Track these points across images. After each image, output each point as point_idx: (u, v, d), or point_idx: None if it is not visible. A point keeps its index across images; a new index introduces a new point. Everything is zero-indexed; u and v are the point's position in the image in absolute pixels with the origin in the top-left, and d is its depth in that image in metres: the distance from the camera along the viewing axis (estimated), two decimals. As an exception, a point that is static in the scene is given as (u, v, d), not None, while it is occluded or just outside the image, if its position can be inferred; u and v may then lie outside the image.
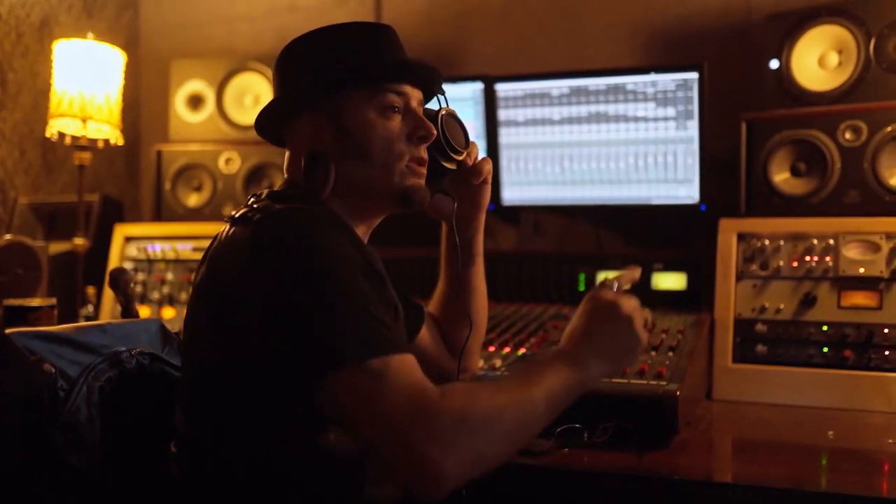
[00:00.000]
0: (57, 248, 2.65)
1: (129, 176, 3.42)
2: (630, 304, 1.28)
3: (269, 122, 1.40)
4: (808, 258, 2.04)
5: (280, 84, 1.39)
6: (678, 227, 2.42)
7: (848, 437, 1.72)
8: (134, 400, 1.36)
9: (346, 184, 1.31)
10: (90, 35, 2.56)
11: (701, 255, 2.17)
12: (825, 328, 1.98)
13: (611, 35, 2.70)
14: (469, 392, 1.07)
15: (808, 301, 2.01)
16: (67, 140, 2.54)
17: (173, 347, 1.50)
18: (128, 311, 1.86)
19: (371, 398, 1.01)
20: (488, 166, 1.52)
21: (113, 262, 2.72)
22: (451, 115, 1.45)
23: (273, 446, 1.15)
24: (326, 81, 1.31)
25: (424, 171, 1.37)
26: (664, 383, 1.63)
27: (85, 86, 2.48)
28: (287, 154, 1.40)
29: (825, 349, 1.96)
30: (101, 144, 2.60)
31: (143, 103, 3.42)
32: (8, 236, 2.34)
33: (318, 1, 3.12)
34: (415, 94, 1.36)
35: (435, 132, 1.36)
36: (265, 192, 1.32)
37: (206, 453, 1.21)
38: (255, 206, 1.24)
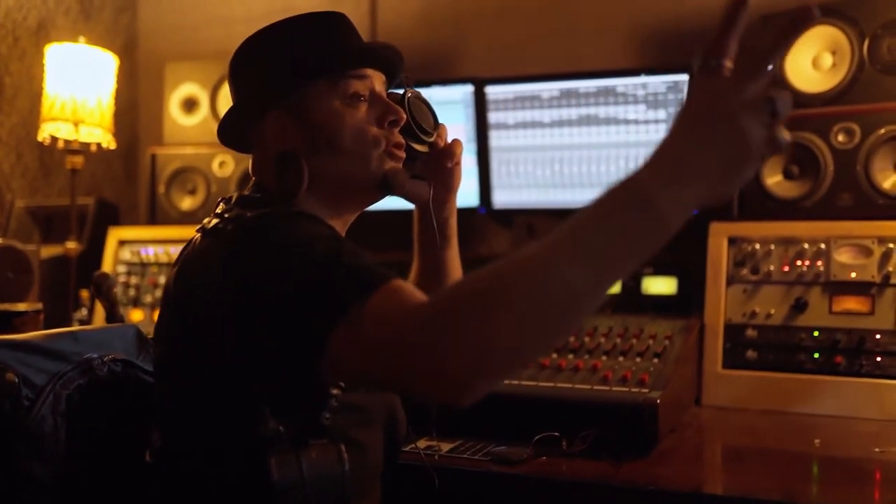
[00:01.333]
0: (52, 251, 2.66)
1: (128, 179, 3.42)
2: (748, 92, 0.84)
3: (231, 129, 1.36)
4: (799, 262, 2.01)
5: (237, 87, 1.34)
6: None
7: (836, 446, 1.70)
8: (106, 408, 1.34)
9: (321, 179, 1.26)
10: (82, 39, 2.57)
11: (692, 259, 2.14)
12: (816, 334, 1.95)
13: (606, 37, 2.67)
14: (464, 279, 0.93)
15: (800, 306, 1.98)
16: (60, 144, 2.54)
17: (150, 353, 1.49)
18: (112, 316, 1.86)
19: (361, 346, 0.94)
20: (460, 147, 1.45)
21: (107, 265, 2.73)
22: (418, 97, 1.40)
23: (249, 459, 1.12)
24: (284, 76, 1.26)
25: (403, 155, 1.32)
26: (646, 391, 1.61)
27: (77, 90, 2.48)
28: (252, 157, 1.35)
29: (816, 355, 1.94)
30: (93, 148, 2.60)
31: (141, 106, 3.43)
32: (-1, 240, 2.35)
33: (314, 3, 3.11)
34: (378, 78, 1.31)
35: (404, 115, 1.31)
36: (234, 196, 1.29)
37: (180, 465, 1.20)
38: (225, 215, 1.21)
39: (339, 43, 1.29)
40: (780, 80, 2.19)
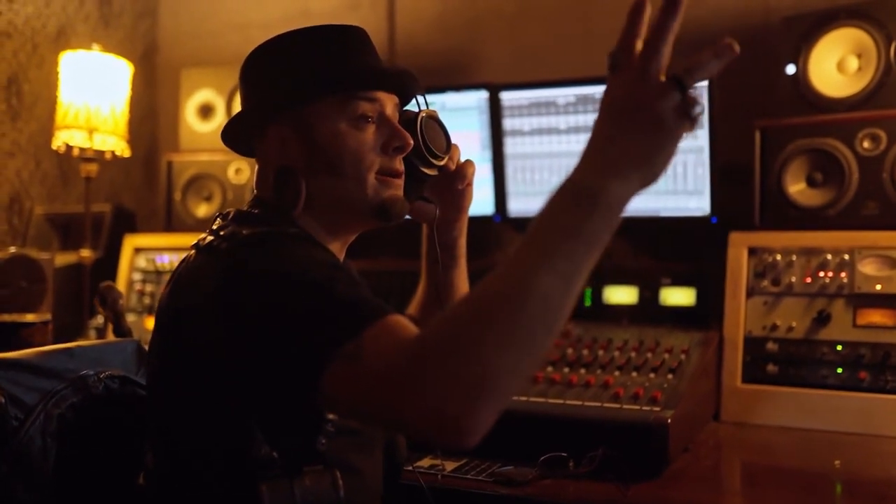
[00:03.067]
0: (67, 259, 2.66)
1: (147, 186, 3.42)
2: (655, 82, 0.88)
3: (234, 134, 1.33)
4: (822, 274, 1.94)
5: (244, 93, 1.31)
6: (688, 240, 2.33)
7: (859, 466, 1.63)
8: (101, 426, 1.33)
9: (319, 200, 1.23)
10: (96, 46, 2.56)
11: (711, 270, 2.08)
12: (839, 348, 1.88)
13: (625, 39, 2.61)
14: (441, 316, 0.91)
15: (822, 319, 1.91)
16: (75, 152, 2.54)
17: (149, 369, 1.47)
18: (118, 328, 1.84)
19: (356, 383, 0.92)
20: (472, 169, 1.42)
21: (122, 273, 2.72)
22: (432, 118, 1.35)
23: (240, 485, 1.08)
24: (291, 90, 1.22)
25: (400, 182, 1.28)
26: (658, 409, 1.56)
27: (91, 97, 2.48)
28: (256, 168, 1.32)
29: (839, 370, 1.87)
30: (108, 156, 2.60)
31: (160, 113, 3.43)
32: (12, 249, 2.35)
33: (331, 7, 3.09)
34: (389, 100, 1.27)
35: (411, 142, 1.26)
36: (232, 212, 1.26)
37: (171, 488, 1.17)
38: (220, 232, 1.17)
39: (353, 62, 1.25)
40: (802, 85, 2.12)
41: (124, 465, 1.32)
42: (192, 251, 1.21)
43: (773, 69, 2.20)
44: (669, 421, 1.49)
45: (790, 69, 2.16)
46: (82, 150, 2.51)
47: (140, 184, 3.42)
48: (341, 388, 0.93)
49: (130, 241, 2.76)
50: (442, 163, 1.36)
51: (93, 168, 2.56)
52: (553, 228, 0.88)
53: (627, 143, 0.89)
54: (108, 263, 2.76)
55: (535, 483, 1.44)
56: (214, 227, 1.22)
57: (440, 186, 1.40)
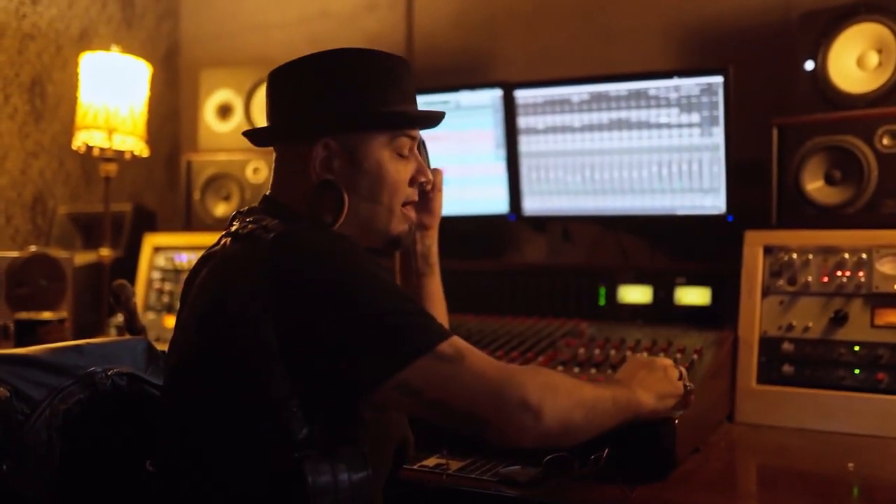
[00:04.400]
0: (87, 258, 2.69)
1: (170, 186, 3.46)
2: (665, 360, 1.46)
3: (270, 133, 1.37)
4: (839, 273, 1.91)
5: (291, 102, 1.33)
6: (704, 238, 2.31)
7: (876, 469, 1.60)
8: (108, 422, 1.33)
9: (350, 217, 1.29)
10: (115, 47, 2.59)
11: (726, 269, 2.05)
12: (857, 348, 1.85)
13: (643, 38, 2.59)
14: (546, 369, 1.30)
15: (839, 319, 1.88)
16: (96, 152, 2.57)
17: (159, 367, 1.48)
18: (132, 326, 1.86)
19: (460, 376, 1.13)
20: (440, 177, 1.55)
21: (142, 272, 2.75)
22: (423, 143, 1.47)
23: (281, 465, 1.13)
24: (355, 116, 1.30)
25: (414, 216, 1.40)
26: (681, 412, 1.53)
27: (110, 98, 2.50)
28: (278, 172, 1.36)
29: (856, 371, 1.84)
30: (127, 156, 2.62)
31: (181, 113, 3.46)
32: (32, 247, 2.38)
33: (349, 7, 3.10)
34: (418, 138, 1.39)
35: (432, 179, 1.41)
36: (255, 209, 1.32)
37: (188, 479, 1.19)
38: (263, 223, 1.22)
39: (410, 101, 1.35)
40: (821, 81, 2.09)
41: (130, 461, 1.33)
42: (227, 239, 1.26)
43: (792, 66, 2.17)
44: (677, 421, 1.47)
45: (809, 65, 2.13)
46: (102, 150, 2.54)
47: (162, 184, 3.45)
48: (432, 381, 1.12)
49: (150, 241, 2.79)
50: (427, 186, 1.47)
51: (112, 168, 2.59)
52: (609, 385, 1.38)
53: (649, 380, 1.41)
54: (128, 262, 2.79)
55: (539, 483, 1.43)
56: (247, 220, 1.26)
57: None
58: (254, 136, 1.39)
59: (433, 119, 1.39)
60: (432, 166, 1.53)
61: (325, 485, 1.13)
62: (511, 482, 1.44)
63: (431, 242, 1.59)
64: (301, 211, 1.29)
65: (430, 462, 1.55)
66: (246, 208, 1.34)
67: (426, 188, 1.42)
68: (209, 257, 1.28)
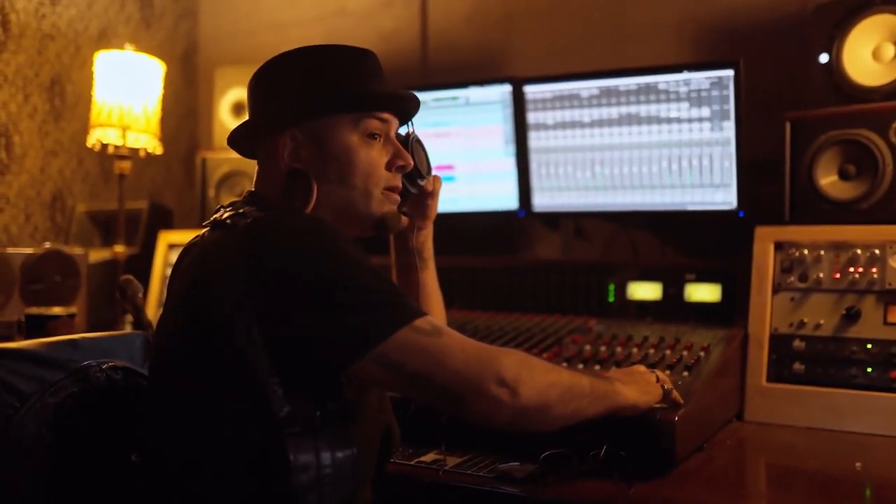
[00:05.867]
0: (102, 255, 2.71)
1: (188, 183, 3.48)
2: (639, 367, 1.52)
3: (247, 135, 1.40)
4: (851, 269, 1.87)
5: (261, 99, 1.38)
6: (715, 234, 2.27)
7: (885, 470, 1.56)
8: (101, 416, 1.34)
9: (324, 204, 1.32)
10: (128, 46, 2.61)
11: (737, 266, 2.02)
12: (869, 346, 1.80)
13: (658, 32, 2.56)
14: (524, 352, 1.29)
15: (851, 316, 1.84)
16: (110, 150, 2.59)
17: (157, 361, 1.48)
18: (138, 322, 1.87)
19: (439, 350, 1.14)
20: (439, 184, 1.58)
21: (157, 268, 2.77)
22: (418, 142, 1.49)
23: (265, 442, 1.14)
24: (313, 102, 1.32)
25: (397, 197, 1.40)
26: (669, 407, 1.51)
27: (123, 96, 2.53)
28: (258, 169, 1.39)
29: (869, 369, 1.79)
30: (142, 154, 2.65)
31: (199, 111, 3.48)
32: (47, 244, 2.41)
33: (365, 5, 3.10)
34: (394, 122, 1.40)
35: (412, 163, 1.40)
36: (236, 202, 1.33)
37: (172, 459, 1.20)
38: (240, 211, 1.26)
39: (370, 83, 1.35)
40: (835, 74, 2.05)
41: (124, 455, 1.33)
42: (206, 229, 1.29)
43: (805, 59, 2.13)
44: (677, 419, 1.44)
45: (823, 58, 2.08)
46: (116, 147, 2.56)
47: (181, 181, 3.48)
48: (412, 354, 1.13)
49: (165, 238, 2.81)
50: (424, 183, 1.52)
51: (126, 165, 2.61)
52: (588, 375, 1.38)
53: (630, 377, 1.45)
54: (144, 259, 2.81)
55: (536, 480, 1.42)
56: (224, 211, 1.28)
57: (413, 199, 1.55)
58: (233, 141, 1.42)
59: (396, 99, 1.38)
60: (433, 172, 1.56)
61: (307, 462, 1.14)
62: (508, 478, 1.42)
63: (426, 238, 1.62)
64: (277, 201, 1.31)
65: (428, 458, 1.54)
66: (229, 201, 1.35)
67: (405, 171, 1.42)
68: (191, 246, 1.32)
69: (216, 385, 1.17)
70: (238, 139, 1.41)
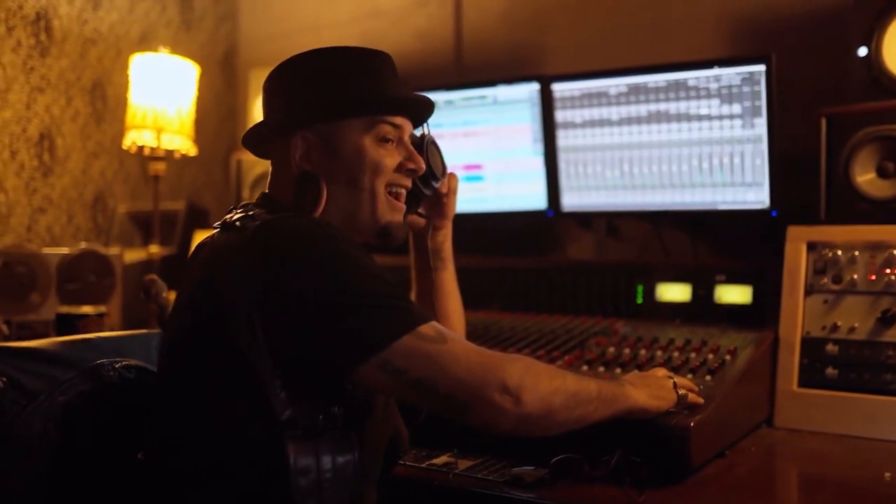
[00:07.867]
0: (138, 255, 2.76)
1: (226, 184, 3.52)
2: (659, 370, 1.51)
3: (257, 138, 1.41)
4: (887, 270, 1.79)
5: (275, 101, 1.38)
6: (747, 234, 2.21)
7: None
8: (113, 414, 1.35)
9: (332, 207, 1.32)
10: (163, 49, 2.65)
11: (769, 267, 1.95)
12: (906, 351, 1.73)
13: (693, 27, 2.50)
14: (529, 357, 1.27)
15: (887, 319, 1.77)
16: (146, 151, 2.63)
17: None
18: (162, 321, 1.90)
19: (442, 357, 1.13)
20: (455, 182, 1.60)
21: (192, 268, 2.80)
22: (433, 143, 1.48)
23: (266, 444, 1.14)
24: (327, 105, 1.32)
25: (402, 206, 1.39)
26: (684, 412, 1.47)
27: (157, 98, 2.56)
28: (272, 171, 1.40)
29: (905, 375, 1.72)
30: (177, 155, 2.68)
31: (238, 113, 3.52)
32: (83, 244, 2.45)
33: (400, 5, 3.09)
34: (407, 126, 1.38)
35: (424, 167, 1.39)
36: (247, 204, 1.34)
37: (175, 458, 1.21)
38: (250, 213, 1.26)
39: (384, 87, 1.35)
40: (875, 68, 1.97)
41: (131, 453, 1.34)
42: (215, 230, 1.30)
43: (842, 53, 2.06)
44: (692, 425, 1.40)
45: (862, 52, 2.01)
46: (152, 149, 2.60)
47: (220, 182, 3.52)
48: (415, 359, 1.12)
49: (200, 238, 2.83)
50: (439, 185, 1.52)
51: (161, 167, 2.65)
52: (597, 379, 1.35)
53: (642, 381, 1.44)
54: (180, 259, 2.85)
55: (547, 485, 1.39)
56: (232, 215, 1.29)
57: (430, 199, 1.56)
58: (248, 142, 1.43)
59: (409, 103, 1.37)
60: (448, 171, 1.56)
61: (307, 466, 1.14)
62: (517, 483, 1.40)
63: (444, 239, 1.62)
64: (288, 204, 1.31)
65: (440, 460, 1.53)
66: (241, 204, 1.35)
67: (417, 174, 1.41)
68: (201, 247, 1.33)
69: (219, 386, 1.18)
70: (252, 140, 1.42)
